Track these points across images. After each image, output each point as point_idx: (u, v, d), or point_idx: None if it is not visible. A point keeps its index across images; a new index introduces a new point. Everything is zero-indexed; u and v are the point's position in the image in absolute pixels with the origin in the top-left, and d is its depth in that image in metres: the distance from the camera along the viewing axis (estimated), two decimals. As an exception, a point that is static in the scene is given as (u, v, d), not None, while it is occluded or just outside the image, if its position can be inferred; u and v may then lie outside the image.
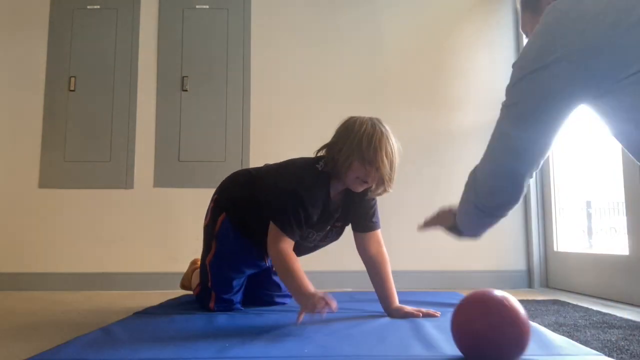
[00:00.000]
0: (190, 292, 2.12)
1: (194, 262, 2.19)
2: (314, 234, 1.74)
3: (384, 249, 1.77)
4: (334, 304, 1.39)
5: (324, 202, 1.64)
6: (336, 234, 1.81)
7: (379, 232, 1.78)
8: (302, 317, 1.44)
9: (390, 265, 1.77)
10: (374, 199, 1.75)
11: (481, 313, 1.06)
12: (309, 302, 1.42)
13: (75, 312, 2.08)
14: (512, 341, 1.02)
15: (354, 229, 1.79)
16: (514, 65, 1.10)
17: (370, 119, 1.63)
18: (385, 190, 1.64)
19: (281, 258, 1.57)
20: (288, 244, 1.59)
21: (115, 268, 2.96)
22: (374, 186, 1.64)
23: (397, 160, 1.60)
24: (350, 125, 1.62)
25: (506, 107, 1.13)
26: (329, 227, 1.76)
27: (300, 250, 1.73)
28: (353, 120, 1.64)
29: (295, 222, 1.59)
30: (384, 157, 1.55)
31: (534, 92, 1.04)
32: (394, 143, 1.60)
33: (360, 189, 1.65)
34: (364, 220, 1.76)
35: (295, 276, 1.52)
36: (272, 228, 1.61)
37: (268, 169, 1.83)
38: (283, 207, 1.60)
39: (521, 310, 1.05)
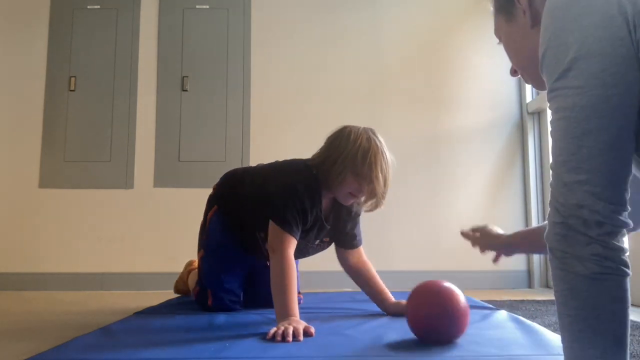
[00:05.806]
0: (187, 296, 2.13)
1: (189, 264, 2.19)
2: (310, 242, 1.72)
3: (365, 258, 1.76)
4: (301, 337, 1.31)
5: (319, 207, 1.62)
6: (322, 248, 1.79)
7: (361, 247, 1.77)
8: (272, 334, 1.33)
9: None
10: (359, 215, 1.73)
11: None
12: (286, 324, 1.34)
13: (75, 312, 2.08)
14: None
15: (337, 244, 1.77)
16: None
17: (365, 130, 1.57)
18: (376, 206, 1.60)
19: (282, 267, 1.49)
20: (291, 247, 1.54)
21: (115, 268, 2.96)
22: (362, 200, 1.61)
23: (390, 175, 1.55)
24: (344, 137, 1.56)
25: None
26: (318, 241, 1.73)
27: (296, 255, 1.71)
28: (348, 131, 1.57)
29: (296, 218, 1.55)
30: (379, 173, 1.51)
31: None
32: (389, 158, 1.55)
33: (349, 203, 1.63)
34: (348, 237, 1.75)
35: (287, 294, 1.45)
36: (273, 227, 1.57)
37: (260, 167, 1.84)
38: (282, 203, 1.56)
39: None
